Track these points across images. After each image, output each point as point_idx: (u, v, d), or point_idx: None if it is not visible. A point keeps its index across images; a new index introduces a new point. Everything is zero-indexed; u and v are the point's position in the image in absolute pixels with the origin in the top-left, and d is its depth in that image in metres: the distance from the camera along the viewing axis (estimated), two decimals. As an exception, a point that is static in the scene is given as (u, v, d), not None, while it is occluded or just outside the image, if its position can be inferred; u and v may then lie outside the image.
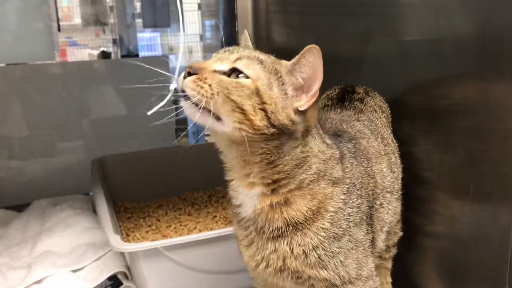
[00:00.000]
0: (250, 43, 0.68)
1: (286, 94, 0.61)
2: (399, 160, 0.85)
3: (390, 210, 0.77)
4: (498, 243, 0.73)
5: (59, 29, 2.25)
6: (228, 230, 0.95)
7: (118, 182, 1.31)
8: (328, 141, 0.68)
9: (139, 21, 2.57)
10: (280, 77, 0.61)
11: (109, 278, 1.01)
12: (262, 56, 0.63)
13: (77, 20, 2.36)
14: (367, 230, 0.69)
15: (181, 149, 1.45)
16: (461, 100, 0.79)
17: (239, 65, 0.60)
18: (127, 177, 1.34)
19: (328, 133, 0.71)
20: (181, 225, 1.20)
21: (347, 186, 0.66)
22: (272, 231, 0.64)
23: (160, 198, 1.36)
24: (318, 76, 0.60)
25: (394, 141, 0.87)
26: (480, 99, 0.75)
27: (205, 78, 0.59)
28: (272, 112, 0.59)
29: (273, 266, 0.66)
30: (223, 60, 0.62)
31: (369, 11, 1.03)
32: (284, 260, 0.65)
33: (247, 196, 0.65)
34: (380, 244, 0.75)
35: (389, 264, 0.91)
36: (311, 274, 0.64)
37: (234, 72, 0.60)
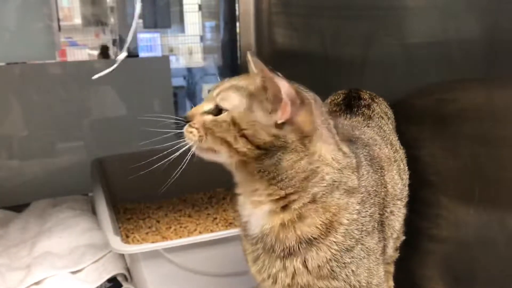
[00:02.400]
0: (252, 66, 0.67)
1: (266, 111, 0.61)
2: (406, 167, 0.84)
3: (400, 217, 0.77)
4: (504, 247, 0.73)
5: (59, 29, 2.25)
6: (229, 232, 0.95)
7: (118, 183, 1.29)
8: (346, 149, 0.66)
9: (139, 21, 2.56)
10: (256, 97, 0.62)
11: (109, 280, 1.00)
12: (243, 81, 0.64)
13: (77, 21, 2.36)
14: (379, 238, 0.67)
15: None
16: (468, 105, 0.79)
17: (218, 100, 0.64)
18: (127, 178, 1.32)
19: (343, 139, 0.69)
20: (181, 227, 1.19)
21: (362, 195, 0.65)
22: (283, 250, 0.63)
23: (160, 200, 1.35)
24: (278, 87, 0.59)
25: (401, 147, 0.86)
26: (487, 104, 0.74)
27: (194, 124, 0.65)
28: (252, 135, 0.61)
29: (281, 284, 0.65)
30: (209, 99, 0.65)
31: (373, 13, 1.02)
32: (293, 278, 0.64)
33: (254, 215, 0.65)
34: (390, 251, 0.75)
35: (391, 268, 0.90)
36: (323, 285, 0.63)
37: (217, 108, 0.64)
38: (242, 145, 0.61)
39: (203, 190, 1.39)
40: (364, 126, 0.81)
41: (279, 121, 0.60)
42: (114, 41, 2.54)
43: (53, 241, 1.10)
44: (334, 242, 0.62)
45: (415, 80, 0.91)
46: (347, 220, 0.63)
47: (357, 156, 0.68)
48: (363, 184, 0.66)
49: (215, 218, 1.24)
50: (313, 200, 0.61)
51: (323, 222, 0.62)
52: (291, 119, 0.60)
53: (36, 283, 0.99)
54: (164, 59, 1.73)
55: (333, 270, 0.63)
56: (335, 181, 0.62)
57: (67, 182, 1.43)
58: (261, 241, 0.65)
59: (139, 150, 1.40)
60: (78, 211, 1.21)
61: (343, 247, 0.62)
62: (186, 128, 0.66)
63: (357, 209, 0.64)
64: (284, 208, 0.62)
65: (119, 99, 1.57)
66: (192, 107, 0.68)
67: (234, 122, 0.61)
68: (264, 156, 0.61)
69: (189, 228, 1.19)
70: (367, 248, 0.65)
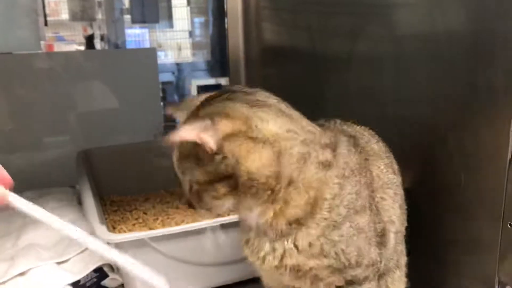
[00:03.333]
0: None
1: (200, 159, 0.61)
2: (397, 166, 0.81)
3: (395, 207, 0.75)
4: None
5: (46, 24, 2.23)
6: (215, 221, 0.94)
7: (104, 175, 1.29)
8: (306, 122, 0.64)
9: (127, 17, 2.55)
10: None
11: (95, 270, 0.99)
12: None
13: (65, 16, 2.34)
14: (371, 219, 0.67)
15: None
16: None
17: None
18: (114, 170, 1.32)
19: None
20: (168, 218, 1.19)
21: (343, 170, 0.64)
22: (274, 234, 0.63)
23: (147, 192, 1.34)
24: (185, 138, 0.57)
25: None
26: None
27: None
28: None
29: (268, 265, 0.65)
30: None
31: (362, 8, 1.02)
32: (281, 259, 0.64)
33: (249, 217, 0.65)
34: (392, 241, 0.73)
35: (400, 274, 0.84)
36: (314, 264, 0.64)
37: None
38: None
39: (190, 183, 1.39)
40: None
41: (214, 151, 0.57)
42: (102, 37, 2.53)
43: (38, 233, 1.09)
44: (321, 218, 0.62)
45: (404, 75, 0.91)
46: (330, 194, 0.62)
47: (336, 137, 0.67)
48: (344, 161, 0.65)
49: (203, 210, 1.24)
50: (292, 181, 0.61)
51: (307, 201, 0.61)
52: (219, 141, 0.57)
53: (21, 274, 0.97)
54: (151, 51, 1.72)
55: (322, 248, 0.62)
56: (303, 153, 0.61)
57: (53, 175, 1.42)
58: (255, 230, 0.65)
59: (126, 143, 1.40)
60: (64, 202, 1.20)
61: (330, 224, 0.62)
62: None
63: (337, 183, 0.63)
64: (273, 200, 0.62)
65: (105, 92, 1.56)
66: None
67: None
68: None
69: (176, 219, 1.19)
70: (356, 226, 0.64)
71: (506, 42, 0.69)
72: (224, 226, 0.95)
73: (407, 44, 0.90)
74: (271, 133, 0.59)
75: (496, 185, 0.72)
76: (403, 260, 0.79)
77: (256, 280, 0.94)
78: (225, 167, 0.57)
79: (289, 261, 0.63)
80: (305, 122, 0.65)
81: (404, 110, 0.92)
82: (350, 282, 0.66)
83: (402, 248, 0.78)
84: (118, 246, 0.92)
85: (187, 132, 0.55)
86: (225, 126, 0.57)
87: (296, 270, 0.64)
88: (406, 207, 0.78)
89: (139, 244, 0.91)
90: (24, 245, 1.06)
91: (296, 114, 0.64)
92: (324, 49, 1.20)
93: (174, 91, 2.65)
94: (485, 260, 0.75)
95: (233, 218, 0.96)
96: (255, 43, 1.65)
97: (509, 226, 0.71)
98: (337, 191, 0.63)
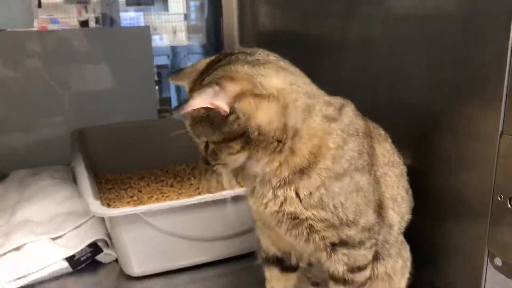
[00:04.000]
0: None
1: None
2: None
3: (401, 191, 0.76)
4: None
5: (39, 5, 2.21)
6: (210, 196, 0.95)
7: (98, 153, 1.29)
8: (313, 87, 0.66)
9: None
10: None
11: (89, 245, 1.00)
12: None
13: (59, -3, 2.32)
14: (370, 182, 0.68)
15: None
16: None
17: None
18: (108, 149, 1.32)
19: None
20: (163, 196, 1.19)
21: (347, 127, 0.65)
22: (278, 182, 0.64)
23: (142, 171, 1.35)
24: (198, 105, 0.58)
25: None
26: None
27: None
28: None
29: (270, 210, 0.66)
30: None
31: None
32: (280, 206, 0.65)
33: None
34: (394, 218, 0.74)
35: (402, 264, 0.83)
36: (310, 215, 0.65)
37: None
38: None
39: (185, 162, 1.39)
40: None
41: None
42: (96, 19, 2.51)
43: (33, 209, 1.10)
44: (323, 168, 0.63)
45: (397, 57, 0.91)
46: (333, 144, 0.63)
47: (341, 103, 0.68)
48: (349, 120, 0.66)
49: (197, 188, 1.24)
50: (297, 132, 0.62)
51: (311, 150, 0.63)
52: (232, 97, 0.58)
53: (16, 249, 0.98)
54: (145, 29, 1.70)
55: (322, 199, 0.64)
56: (308, 105, 0.62)
57: (48, 154, 1.42)
58: (260, 179, 0.65)
59: (120, 122, 1.40)
60: (58, 180, 1.20)
61: (332, 174, 0.63)
62: None
63: (340, 135, 0.64)
64: (280, 151, 0.62)
65: (99, 72, 1.56)
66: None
67: None
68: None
69: (171, 197, 1.19)
70: (356, 183, 0.65)
71: (496, 21, 0.69)
72: (216, 202, 0.95)
73: (400, 26, 0.90)
74: (276, 88, 0.60)
75: (487, 159, 0.73)
76: (406, 253, 0.80)
77: (252, 255, 0.95)
78: (237, 126, 0.59)
79: (288, 208, 0.65)
80: (306, 79, 0.66)
81: (397, 92, 0.93)
82: (344, 242, 0.67)
83: (403, 240, 0.79)
84: (113, 220, 0.93)
85: (199, 101, 0.57)
86: (232, 88, 0.58)
87: (293, 218, 0.66)
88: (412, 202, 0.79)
89: (133, 219, 0.91)
90: (18, 221, 1.06)
91: (296, 70, 0.66)
92: (318, 31, 1.20)
93: (169, 75, 2.64)
94: (474, 233, 0.76)
95: (225, 194, 0.97)
96: (249, 26, 1.65)
97: (499, 198, 0.71)
98: (340, 143, 0.64)
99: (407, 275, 0.79)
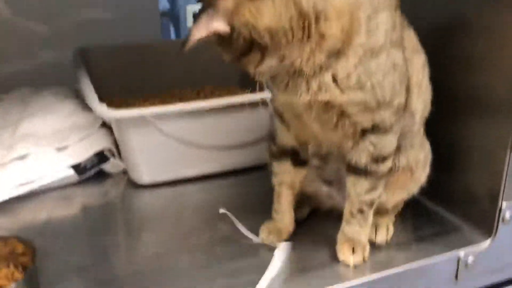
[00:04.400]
0: None
1: None
2: None
3: (425, 80, 0.73)
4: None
5: None
6: (222, 101, 0.92)
7: (101, 74, 1.23)
8: None
9: None
10: None
11: (96, 154, 0.97)
12: None
13: None
14: (404, 59, 0.65)
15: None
16: None
17: None
18: (112, 70, 1.28)
19: None
20: (169, 114, 1.16)
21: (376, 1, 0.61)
22: (312, 70, 0.60)
23: (146, 94, 1.31)
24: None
25: None
26: None
27: None
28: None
29: (303, 100, 0.63)
30: None
31: None
32: (316, 94, 0.62)
33: None
34: (418, 105, 0.72)
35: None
36: (346, 99, 0.62)
37: None
38: None
39: (190, 86, 1.36)
40: None
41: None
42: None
43: (37, 123, 1.06)
44: (359, 45, 0.59)
45: None
46: (364, 13, 0.59)
47: None
48: None
49: (204, 108, 1.21)
50: (319, 13, 0.56)
51: (342, 28, 0.58)
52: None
53: (20, 158, 0.95)
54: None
55: (360, 79, 0.60)
56: None
57: (48, 79, 1.37)
58: (292, 72, 0.62)
59: (125, 42, 1.35)
60: (61, 97, 1.17)
61: (368, 50, 0.60)
62: None
63: (370, 6, 0.60)
64: (308, 38, 0.58)
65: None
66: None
67: None
68: None
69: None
70: (392, 60, 0.62)
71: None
72: (227, 108, 0.92)
73: None
74: None
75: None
76: (427, 145, 0.78)
77: (262, 167, 0.93)
78: (247, 38, 0.55)
79: (323, 96, 0.62)
80: None
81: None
82: (376, 126, 0.65)
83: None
84: (120, 124, 0.90)
85: (198, 33, 0.55)
86: (225, 3, 0.54)
87: (327, 105, 0.63)
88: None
89: (142, 123, 0.89)
90: (21, 134, 1.03)
91: None
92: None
93: (169, 22, 2.57)
94: (497, 132, 0.73)
95: (237, 99, 0.94)
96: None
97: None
98: (371, 13, 0.60)
99: (427, 169, 0.78)
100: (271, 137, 0.77)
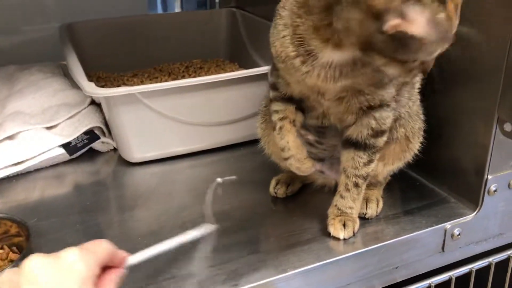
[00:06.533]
0: None
1: None
2: None
3: None
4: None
5: None
6: (212, 77, 0.92)
7: (89, 50, 1.23)
8: None
9: None
10: None
11: (85, 133, 0.97)
12: None
13: None
14: None
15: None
16: None
17: None
18: (99, 46, 1.27)
19: None
20: (158, 90, 1.15)
21: None
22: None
23: (135, 69, 1.30)
24: None
25: None
26: None
27: None
28: None
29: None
30: None
31: None
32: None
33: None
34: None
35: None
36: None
37: None
38: None
39: (180, 60, 1.35)
40: None
41: None
42: None
43: (25, 102, 1.05)
44: None
45: None
46: None
47: None
48: None
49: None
50: None
51: None
52: None
53: (9, 138, 0.95)
54: None
55: None
56: None
57: (34, 55, 1.35)
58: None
59: (111, 17, 1.33)
60: (49, 74, 1.15)
61: None
62: None
63: None
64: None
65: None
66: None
67: None
68: None
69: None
70: None
71: None
72: (216, 84, 0.92)
73: None
74: None
75: (504, 22, 0.69)
76: (422, 114, 0.79)
77: (251, 142, 0.94)
78: None
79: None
80: None
81: None
82: (382, 102, 0.67)
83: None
84: (110, 102, 0.89)
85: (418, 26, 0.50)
86: None
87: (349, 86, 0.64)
88: None
89: (131, 101, 0.88)
90: (10, 113, 1.03)
91: None
92: None
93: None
94: (485, 97, 0.74)
95: (228, 75, 0.94)
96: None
97: (513, 60, 0.69)
98: None
99: (421, 138, 0.79)
100: (273, 86, 0.74)
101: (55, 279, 0.44)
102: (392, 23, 0.49)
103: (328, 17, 0.56)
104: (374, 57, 0.55)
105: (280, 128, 0.73)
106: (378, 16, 0.50)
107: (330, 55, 0.60)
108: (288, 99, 0.72)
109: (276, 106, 0.73)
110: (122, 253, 0.54)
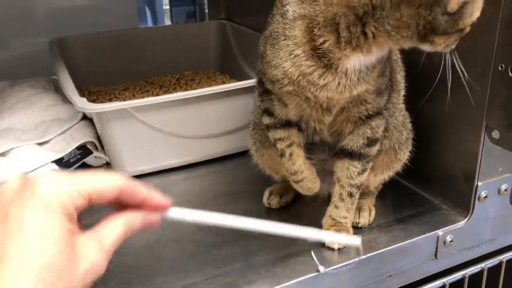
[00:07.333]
0: None
1: None
2: None
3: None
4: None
5: None
6: (203, 90, 0.92)
7: (80, 64, 1.24)
8: None
9: None
10: None
11: (78, 148, 0.97)
12: None
13: None
14: None
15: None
16: None
17: None
18: (90, 60, 1.27)
19: None
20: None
21: None
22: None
23: (126, 83, 1.31)
24: None
25: None
26: None
27: None
28: None
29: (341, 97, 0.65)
30: None
31: None
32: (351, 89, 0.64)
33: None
34: (402, 82, 0.77)
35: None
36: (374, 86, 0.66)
37: None
38: None
39: (171, 73, 1.35)
40: None
41: None
42: None
43: (16, 118, 1.05)
44: None
45: None
46: None
47: None
48: None
49: (184, 96, 1.21)
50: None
51: None
52: None
53: (2, 154, 0.95)
54: None
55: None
56: None
57: (24, 70, 1.35)
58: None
59: (102, 31, 1.34)
60: (40, 89, 1.15)
61: None
62: None
63: None
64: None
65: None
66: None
67: None
68: None
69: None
70: None
71: None
72: (208, 97, 0.93)
73: None
74: None
75: (489, 30, 0.71)
76: (409, 124, 0.81)
77: (244, 153, 0.94)
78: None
79: (360, 88, 0.65)
80: None
81: None
82: (378, 111, 0.69)
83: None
84: (102, 117, 0.90)
85: None
86: None
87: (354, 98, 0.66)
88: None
89: (123, 115, 0.89)
90: (2, 130, 1.02)
91: None
92: None
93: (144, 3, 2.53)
94: (473, 105, 0.75)
95: (219, 88, 0.95)
96: None
97: (499, 68, 0.70)
98: None
99: (409, 148, 0.80)
100: (267, 112, 0.73)
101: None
102: (454, 1, 0.54)
103: (359, 27, 0.58)
104: (434, 40, 0.57)
105: (290, 154, 0.72)
106: (437, 2, 0.54)
107: (355, 61, 0.61)
108: (287, 124, 0.71)
109: (277, 134, 0.72)
110: (158, 196, 0.45)
